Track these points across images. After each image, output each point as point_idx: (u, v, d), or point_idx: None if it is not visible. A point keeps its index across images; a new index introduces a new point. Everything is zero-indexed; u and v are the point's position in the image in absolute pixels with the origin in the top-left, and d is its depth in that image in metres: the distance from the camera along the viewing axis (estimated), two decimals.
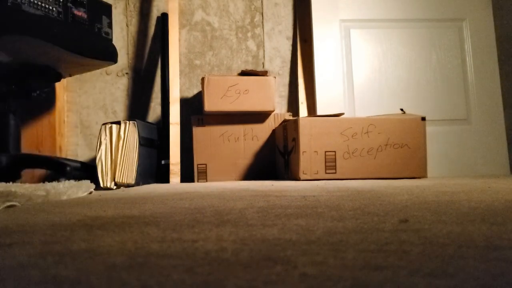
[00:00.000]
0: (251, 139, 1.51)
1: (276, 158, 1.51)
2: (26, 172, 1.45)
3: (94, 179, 1.14)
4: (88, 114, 1.63)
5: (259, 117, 1.51)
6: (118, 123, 1.20)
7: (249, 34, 1.68)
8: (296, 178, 1.28)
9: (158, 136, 1.46)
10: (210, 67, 1.66)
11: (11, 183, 0.95)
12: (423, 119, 1.33)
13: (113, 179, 1.16)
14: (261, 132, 1.52)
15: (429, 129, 1.43)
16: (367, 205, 0.59)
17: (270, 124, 1.52)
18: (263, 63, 1.68)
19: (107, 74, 1.64)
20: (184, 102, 1.62)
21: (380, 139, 1.30)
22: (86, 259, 0.30)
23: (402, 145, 1.31)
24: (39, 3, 1.04)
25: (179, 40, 1.63)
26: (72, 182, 0.97)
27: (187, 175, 1.51)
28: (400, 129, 1.31)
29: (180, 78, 1.60)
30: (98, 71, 1.61)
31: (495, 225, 0.41)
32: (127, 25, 1.65)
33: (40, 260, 0.30)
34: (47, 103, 1.52)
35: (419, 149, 1.32)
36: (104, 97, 1.63)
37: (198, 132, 1.49)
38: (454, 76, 1.62)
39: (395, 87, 1.60)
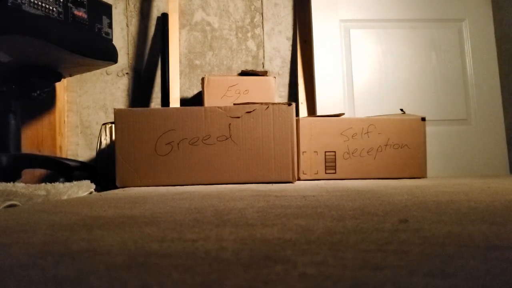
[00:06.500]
0: None
1: None
2: (27, 172, 1.45)
3: (95, 179, 1.14)
4: (88, 114, 1.63)
5: None
6: None
7: (249, 34, 1.68)
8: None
9: None
10: (210, 67, 1.66)
11: (11, 183, 0.95)
12: (423, 119, 1.33)
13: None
14: None
15: (429, 129, 1.43)
16: (367, 205, 0.59)
17: None
18: (263, 63, 1.68)
19: (108, 74, 1.64)
20: (184, 102, 1.62)
21: (380, 139, 1.30)
22: (86, 259, 0.30)
23: (402, 145, 1.31)
24: (39, 3, 1.04)
25: (179, 40, 1.63)
26: (72, 182, 0.97)
27: None
28: (400, 130, 1.31)
29: (180, 78, 1.61)
30: (98, 71, 1.61)
31: (494, 225, 0.41)
32: (127, 25, 1.65)
33: (41, 260, 0.30)
34: (48, 103, 1.52)
35: (419, 149, 1.32)
36: (105, 97, 1.63)
37: None
38: (454, 76, 1.62)
39: (395, 87, 1.60)
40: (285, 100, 1.67)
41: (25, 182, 1.12)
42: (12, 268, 0.28)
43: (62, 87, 1.57)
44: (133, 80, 1.65)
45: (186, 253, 0.31)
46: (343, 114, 1.37)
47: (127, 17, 1.65)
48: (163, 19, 1.61)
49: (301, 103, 1.62)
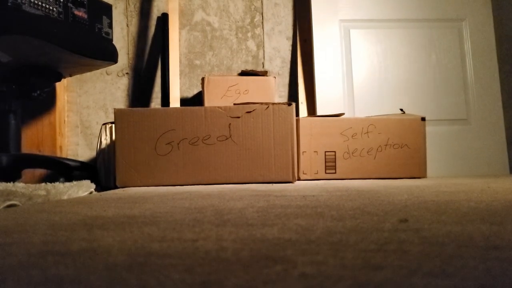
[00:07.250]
0: None
1: None
2: (27, 172, 1.45)
3: (95, 179, 1.15)
4: (88, 114, 1.63)
5: None
6: None
7: (249, 34, 1.68)
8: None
9: None
10: (210, 67, 1.67)
11: (11, 183, 0.95)
12: (423, 119, 1.33)
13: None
14: None
15: (429, 129, 1.43)
16: (367, 205, 0.59)
17: None
18: (263, 63, 1.68)
19: (108, 74, 1.64)
20: (184, 102, 1.62)
21: (380, 139, 1.30)
22: (86, 259, 0.30)
23: (402, 145, 1.31)
24: (40, 3, 1.04)
25: (179, 40, 1.63)
26: (72, 181, 0.97)
27: None
28: (400, 129, 1.31)
29: (180, 78, 1.61)
30: (98, 71, 1.61)
31: (494, 224, 0.41)
32: (127, 25, 1.65)
33: (41, 259, 0.30)
34: (48, 103, 1.52)
35: (419, 149, 1.32)
36: (105, 97, 1.63)
37: None
38: (454, 76, 1.62)
39: (395, 87, 1.60)
40: (285, 100, 1.67)
41: (25, 182, 1.12)
42: (12, 268, 0.28)
43: (62, 87, 1.58)
44: (133, 80, 1.65)
45: (186, 253, 0.31)
46: (343, 114, 1.37)
47: (127, 17, 1.65)
48: (163, 19, 1.61)
49: (301, 103, 1.62)
